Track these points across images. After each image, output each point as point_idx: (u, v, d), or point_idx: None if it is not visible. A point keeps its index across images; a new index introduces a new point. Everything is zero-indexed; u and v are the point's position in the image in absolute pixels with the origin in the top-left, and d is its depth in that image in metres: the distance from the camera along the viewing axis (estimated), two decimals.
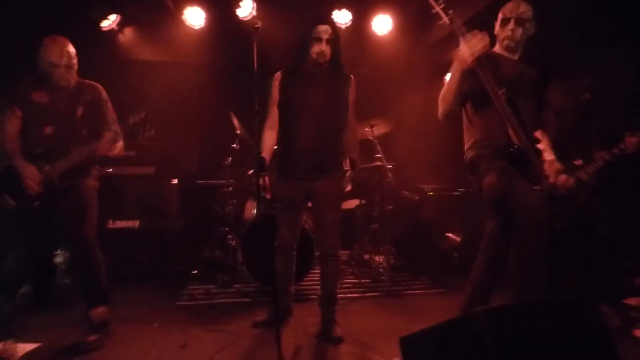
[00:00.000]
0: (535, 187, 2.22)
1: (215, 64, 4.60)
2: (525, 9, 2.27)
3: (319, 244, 2.65)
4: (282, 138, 2.58)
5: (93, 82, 2.64)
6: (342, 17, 4.25)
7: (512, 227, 2.16)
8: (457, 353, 1.45)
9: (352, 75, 2.58)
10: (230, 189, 3.84)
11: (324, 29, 2.42)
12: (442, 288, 3.61)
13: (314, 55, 2.43)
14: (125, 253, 3.63)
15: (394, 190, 4.04)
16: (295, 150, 2.49)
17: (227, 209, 3.85)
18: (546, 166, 2.35)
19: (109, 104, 2.64)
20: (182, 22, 4.21)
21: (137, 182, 3.82)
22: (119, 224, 3.72)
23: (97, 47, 3.86)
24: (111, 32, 4.20)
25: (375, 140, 3.88)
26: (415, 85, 4.82)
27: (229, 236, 3.78)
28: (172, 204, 3.90)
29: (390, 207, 3.94)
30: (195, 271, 3.76)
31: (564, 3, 3.08)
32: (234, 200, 3.87)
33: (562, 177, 2.46)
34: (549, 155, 2.44)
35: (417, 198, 4.25)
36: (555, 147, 2.44)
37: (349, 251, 4.19)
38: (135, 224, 3.74)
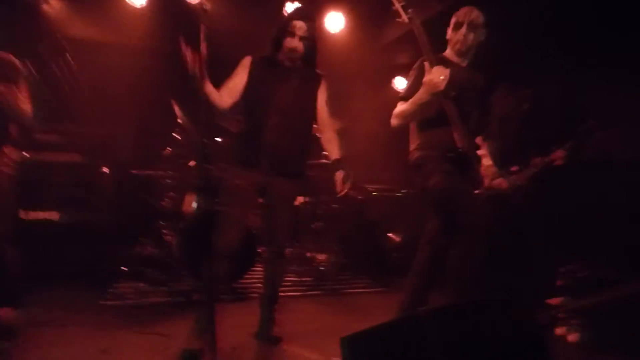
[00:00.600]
0: (475, 191, 2.29)
1: (156, 47, 4.30)
2: (477, 15, 2.34)
3: (268, 242, 2.55)
4: (245, 128, 2.44)
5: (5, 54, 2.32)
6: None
7: (453, 228, 2.22)
8: (398, 353, 1.45)
9: (323, 75, 2.52)
10: (169, 180, 3.63)
11: (298, 25, 2.34)
12: (382, 287, 3.67)
13: (285, 50, 2.36)
14: (46, 249, 3.26)
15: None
16: (257, 143, 2.34)
17: (164, 202, 3.63)
18: (483, 170, 2.45)
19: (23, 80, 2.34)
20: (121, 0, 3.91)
21: (60, 170, 3.45)
22: (34, 215, 3.33)
23: (16, 18, 3.46)
24: (34, 1, 3.78)
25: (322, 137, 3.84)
26: (364, 85, 4.86)
27: (165, 231, 3.57)
28: (102, 195, 3.58)
29: (335, 205, 3.94)
30: (125, 268, 3.46)
31: (513, 13, 3.22)
32: (173, 193, 3.65)
33: (498, 180, 2.58)
34: (487, 161, 2.54)
35: (361, 198, 4.29)
36: (498, 153, 2.54)
37: (291, 249, 4.13)
38: (55, 216, 3.38)
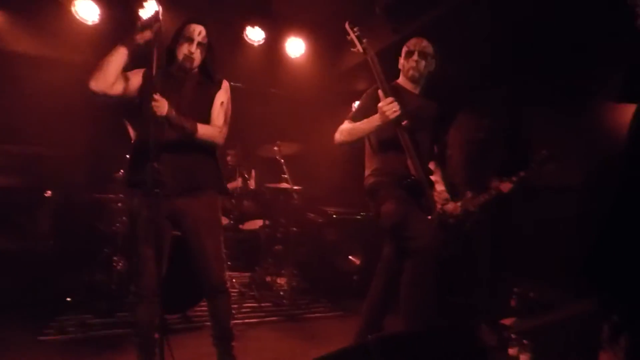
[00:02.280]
0: (427, 217, 2.35)
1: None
2: (427, 44, 2.46)
3: (202, 278, 2.21)
4: (139, 147, 2.13)
5: None
6: (255, 34, 4.22)
7: (405, 254, 2.26)
8: None
9: (224, 79, 2.29)
10: (120, 204, 3.48)
11: (197, 30, 2.14)
12: (341, 310, 3.65)
13: (180, 57, 2.13)
14: None
15: (299, 212, 4.04)
16: (157, 163, 1.92)
17: (114, 228, 3.46)
18: (435, 195, 2.52)
19: None
20: (71, 16, 3.78)
21: None
22: None
23: None
24: None
25: (282, 161, 3.86)
26: (323, 109, 4.94)
27: (115, 258, 3.39)
28: (43, 221, 3.38)
29: (295, 228, 3.92)
30: (69, 299, 3.24)
31: (465, 45, 3.40)
32: (124, 218, 3.51)
33: (450, 206, 2.66)
34: (440, 186, 2.63)
35: (321, 220, 4.30)
36: (453, 179, 2.63)
37: (249, 273, 4.06)
38: None
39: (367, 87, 2.54)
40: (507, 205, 3.27)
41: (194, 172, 2.14)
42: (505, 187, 2.95)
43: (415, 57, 2.44)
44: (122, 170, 3.47)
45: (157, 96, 1.96)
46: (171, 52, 2.17)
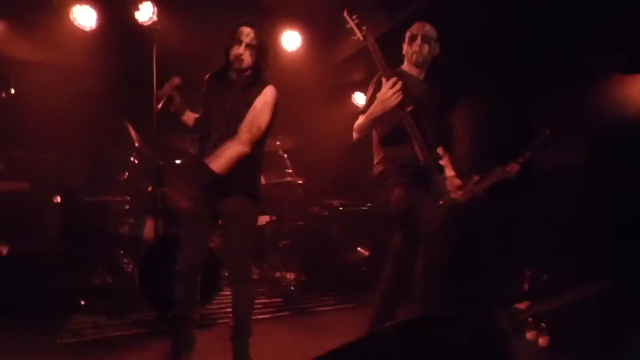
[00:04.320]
0: (437, 202, 2.33)
1: (109, 68, 4.15)
2: (430, 28, 2.45)
3: (229, 267, 2.48)
4: (199, 148, 2.37)
5: None
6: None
7: (416, 240, 2.24)
8: None
9: (269, 85, 2.30)
10: (127, 206, 3.48)
11: (245, 32, 2.21)
12: (351, 303, 3.64)
13: (232, 58, 2.22)
14: None
15: (304, 206, 4.02)
16: (203, 161, 2.23)
17: (121, 229, 3.46)
18: (448, 182, 2.50)
19: None
20: (69, 21, 3.78)
21: (7, 200, 3.24)
22: None
23: None
24: None
25: (285, 155, 3.84)
26: (322, 101, 4.91)
27: (124, 259, 3.39)
28: (53, 225, 3.38)
29: (301, 223, 3.91)
30: (82, 301, 3.25)
31: (462, 30, 3.36)
32: (131, 219, 3.49)
33: (461, 192, 2.64)
34: (449, 172, 2.61)
35: (326, 213, 4.28)
36: (460, 163, 2.61)
37: (259, 270, 4.05)
38: (3, 249, 3.15)
39: (364, 77, 2.52)
40: (512, 188, 3.25)
41: (230, 176, 2.19)
42: (513, 167, 2.92)
43: (418, 41, 2.42)
44: (127, 173, 3.46)
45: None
46: (226, 55, 2.25)
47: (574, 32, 3.15)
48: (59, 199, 3.46)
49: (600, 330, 2.49)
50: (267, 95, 2.28)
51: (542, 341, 2.62)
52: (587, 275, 2.92)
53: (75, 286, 3.37)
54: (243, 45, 2.19)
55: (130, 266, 3.35)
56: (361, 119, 2.34)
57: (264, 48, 2.29)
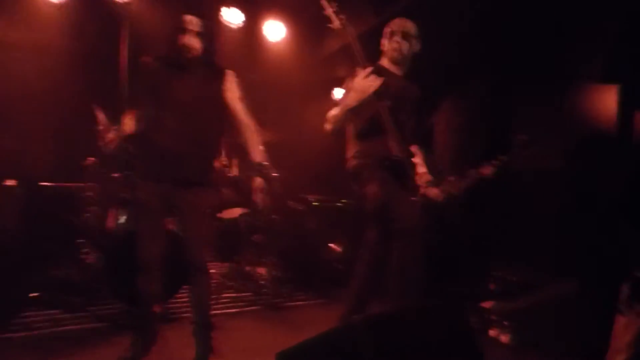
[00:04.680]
0: (412, 198, 2.32)
1: (76, 48, 3.94)
2: (410, 25, 2.42)
3: (185, 258, 2.33)
4: (145, 135, 2.26)
5: None
6: (233, 16, 4.07)
7: (391, 236, 2.22)
8: None
9: (229, 70, 2.33)
10: (91, 194, 3.31)
11: (188, 20, 2.17)
12: (323, 298, 3.61)
13: (180, 48, 2.18)
14: None
15: (280, 200, 3.96)
16: (158, 150, 2.18)
17: (85, 219, 3.30)
18: (418, 178, 2.49)
19: None
20: None
21: None
22: None
23: None
24: None
25: (262, 148, 3.76)
26: (304, 96, 4.86)
27: (86, 250, 3.25)
28: (7, 212, 3.17)
29: (275, 217, 3.85)
30: (39, 294, 3.06)
31: (445, 29, 3.37)
32: (96, 208, 3.34)
33: (434, 190, 2.64)
34: (421, 168, 2.60)
35: (302, 209, 4.23)
36: (438, 162, 2.61)
37: (229, 263, 3.98)
38: None
39: (348, 74, 2.48)
40: (487, 190, 3.29)
41: (188, 166, 2.18)
42: (486, 170, 2.95)
43: (397, 38, 2.39)
44: (92, 158, 3.32)
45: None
46: (172, 44, 2.19)
47: (555, 40, 3.21)
48: (13, 183, 3.24)
49: (562, 327, 2.55)
50: (235, 82, 2.32)
51: (505, 338, 2.67)
52: (558, 275, 2.98)
53: (32, 278, 3.19)
54: (190, 34, 2.17)
55: (94, 258, 3.22)
56: (335, 110, 2.30)
57: (211, 35, 2.28)
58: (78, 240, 3.29)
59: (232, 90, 2.31)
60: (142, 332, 2.28)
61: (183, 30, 2.16)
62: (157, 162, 2.18)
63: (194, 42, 2.17)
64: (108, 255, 2.93)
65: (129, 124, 2.28)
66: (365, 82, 2.12)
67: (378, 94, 2.16)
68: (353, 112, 2.23)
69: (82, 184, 3.33)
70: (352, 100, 2.18)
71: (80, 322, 2.84)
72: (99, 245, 3.21)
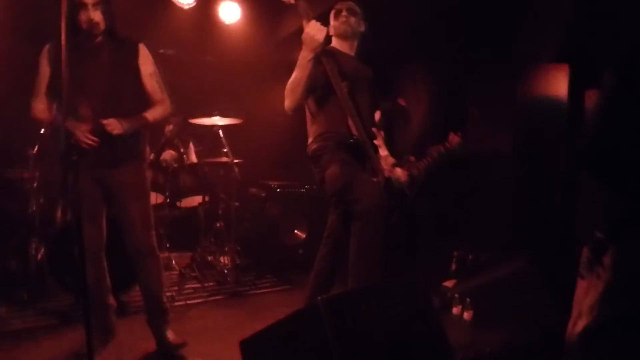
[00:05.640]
0: (373, 179, 2.31)
1: (14, 25, 3.63)
2: (353, 4, 2.42)
3: (129, 244, 2.23)
4: (60, 123, 2.08)
5: None
6: None
7: (352, 218, 2.21)
8: (298, 347, 1.38)
9: (140, 44, 2.19)
10: (36, 184, 3.10)
11: None
12: (287, 284, 3.59)
13: (84, 25, 2.02)
14: None
15: (240, 187, 3.88)
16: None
17: (29, 210, 3.09)
18: (382, 160, 2.49)
19: None
20: None
21: None
22: None
23: None
24: None
25: (221, 134, 3.65)
26: (263, 79, 4.74)
27: (32, 243, 3.03)
28: None
29: (236, 204, 3.76)
30: None
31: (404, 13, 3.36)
32: (41, 199, 3.14)
33: (398, 171, 2.65)
34: (383, 151, 2.61)
35: (263, 195, 4.16)
36: (398, 144, 2.62)
37: (190, 253, 3.86)
38: None
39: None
40: (445, 173, 3.35)
41: (111, 144, 2.06)
42: (453, 141, 3.01)
43: (344, 13, 2.39)
44: (37, 147, 3.10)
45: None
46: (72, 23, 1.98)
47: (509, 20, 3.27)
48: None
49: (517, 301, 2.66)
50: (150, 55, 2.21)
51: (467, 315, 2.75)
52: (512, 254, 3.10)
53: None
54: (90, 8, 2.02)
55: (39, 250, 3.02)
56: (292, 76, 2.22)
57: (110, 4, 2.12)
58: (22, 232, 3.07)
59: (145, 64, 2.19)
60: (97, 325, 2.17)
61: (81, 5, 2.00)
62: (83, 148, 2.01)
63: (96, 16, 2.02)
64: (54, 246, 2.77)
65: (44, 112, 2.13)
66: (312, 30, 2.07)
67: (333, 73, 2.11)
68: (308, 72, 2.15)
69: (25, 174, 3.10)
70: (306, 54, 2.11)
71: (27, 321, 2.67)
72: (44, 237, 3.02)
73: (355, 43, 2.46)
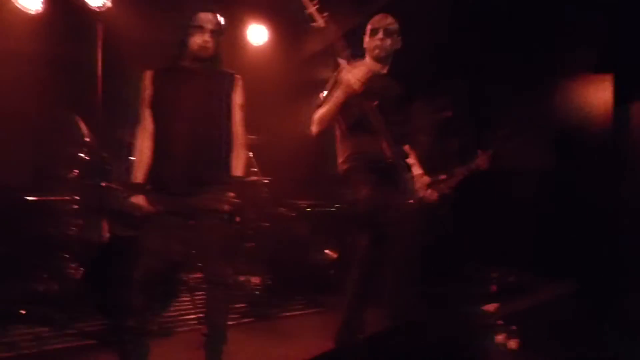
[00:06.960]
0: (406, 201, 2.24)
1: (52, 57, 3.80)
2: (392, 21, 2.35)
3: (204, 269, 2.24)
4: (155, 146, 2.17)
5: None
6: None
7: (385, 241, 2.14)
8: None
9: (237, 75, 2.21)
10: (75, 207, 3.19)
11: (208, 18, 2.06)
12: (318, 307, 3.51)
13: (195, 48, 2.06)
14: None
15: (270, 207, 3.87)
16: (167, 159, 2.09)
17: (68, 232, 3.17)
18: (416, 180, 2.42)
19: None
20: (12, 4, 3.45)
21: None
22: None
23: None
24: None
25: (251, 154, 3.67)
26: (291, 98, 4.77)
27: (71, 264, 3.11)
28: None
29: (266, 224, 3.75)
30: (22, 311, 2.88)
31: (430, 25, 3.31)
32: (80, 221, 3.21)
33: (430, 191, 2.56)
34: (417, 170, 2.53)
35: (293, 215, 4.13)
36: (421, 161, 2.54)
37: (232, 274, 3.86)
38: None
39: (333, 73, 2.40)
40: (473, 191, 3.23)
41: (199, 171, 2.09)
42: (482, 160, 2.91)
43: (380, 35, 2.32)
44: (76, 170, 3.19)
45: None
46: (181, 45, 2.07)
47: (545, 30, 3.16)
48: None
49: (565, 329, 2.49)
50: (243, 88, 2.22)
51: (512, 344, 2.58)
52: (553, 276, 2.92)
53: (13, 294, 3.02)
54: (207, 33, 2.05)
55: (77, 272, 3.08)
56: (322, 109, 2.22)
57: (222, 33, 2.14)
58: (61, 254, 3.15)
59: (238, 96, 2.20)
60: (134, 348, 2.16)
61: (199, 28, 2.04)
62: (168, 172, 2.07)
63: (209, 42, 2.06)
64: (93, 268, 2.81)
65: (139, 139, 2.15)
66: (351, 75, 2.04)
67: (365, 93, 2.08)
68: (340, 111, 2.14)
69: (64, 197, 3.19)
70: (340, 96, 2.10)
71: (65, 341, 2.70)
72: (82, 258, 3.08)
73: (389, 61, 2.41)
